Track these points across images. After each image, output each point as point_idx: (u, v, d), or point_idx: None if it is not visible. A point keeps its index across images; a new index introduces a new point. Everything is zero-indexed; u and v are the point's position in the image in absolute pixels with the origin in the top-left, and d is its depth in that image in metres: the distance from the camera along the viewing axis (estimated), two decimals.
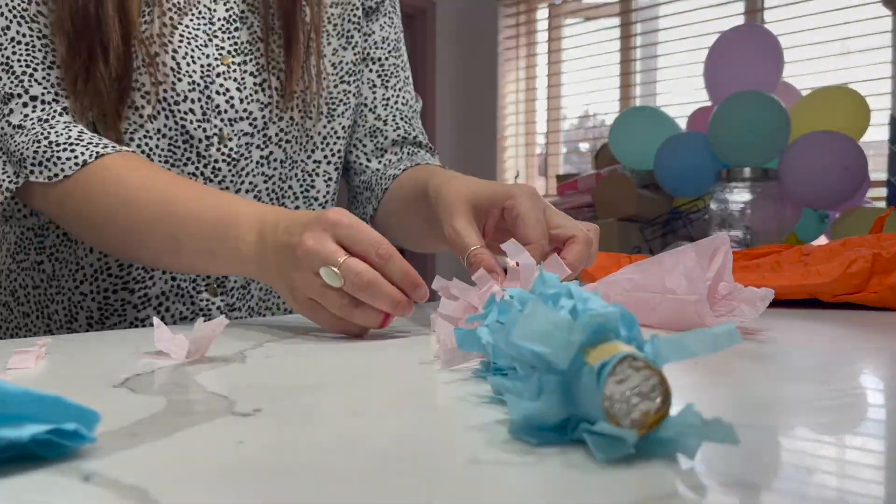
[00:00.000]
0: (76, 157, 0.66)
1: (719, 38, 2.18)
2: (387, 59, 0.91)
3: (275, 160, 0.81)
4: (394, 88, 0.91)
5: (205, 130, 0.76)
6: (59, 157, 0.66)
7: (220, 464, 0.26)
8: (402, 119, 0.91)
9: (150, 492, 0.23)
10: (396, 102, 0.91)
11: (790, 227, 2.16)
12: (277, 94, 0.80)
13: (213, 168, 0.77)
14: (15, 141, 0.67)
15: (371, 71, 0.90)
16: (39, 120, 0.68)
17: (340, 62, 0.87)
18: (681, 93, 2.74)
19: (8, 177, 0.68)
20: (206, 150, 0.76)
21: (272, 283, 0.60)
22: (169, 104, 0.74)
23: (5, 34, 0.69)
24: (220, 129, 0.77)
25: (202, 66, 0.76)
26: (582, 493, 0.23)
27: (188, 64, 0.75)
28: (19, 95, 0.68)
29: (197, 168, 0.76)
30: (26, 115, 0.68)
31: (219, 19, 0.78)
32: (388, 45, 0.91)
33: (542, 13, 4.07)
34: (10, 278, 0.82)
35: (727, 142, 2.08)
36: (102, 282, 0.77)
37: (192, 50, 0.76)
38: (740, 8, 2.69)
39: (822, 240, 2.21)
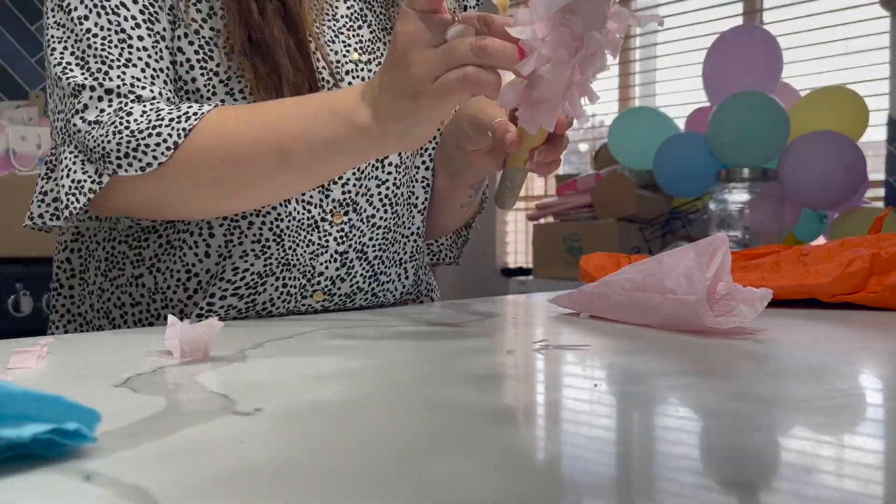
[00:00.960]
0: (166, 141, 0.61)
1: (718, 39, 2.19)
2: None
3: (390, 164, 0.78)
4: None
5: None
6: (147, 145, 0.60)
7: (220, 464, 0.26)
8: None
9: (150, 491, 0.23)
10: None
11: (789, 227, 2.16)
12: None
13: None
14: (93, 136, 0.62)
15: None
16: (115, 111, 0.63)
17: None
18: (680, 93, 2.74)
19: (89, 176, 0.62)
20: None
21: (391, 111, 0.57)
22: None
23: (81, 24, 0.65)
24: None
25: (331, 62, 0.74)
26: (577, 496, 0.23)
27: (317, 60, 0.73)
28: (92, 88, 0.63)
29: None
30: (102, 110, 0.63)
31: (342, 16, 0.77)
32: None
33: None
34: (101, 298, 0.74)
35: (726, 142, 2.08)
36: (218, 289, 0.71)
37: (321, 46, 0.73)
38: (739, 8, 2.69)
39: (821, 240, 2.21)
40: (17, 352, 0.47)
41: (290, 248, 0.73)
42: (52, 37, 0.67)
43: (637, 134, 2.36)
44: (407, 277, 0.84)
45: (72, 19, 0.66)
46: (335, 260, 0.75)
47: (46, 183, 0.68)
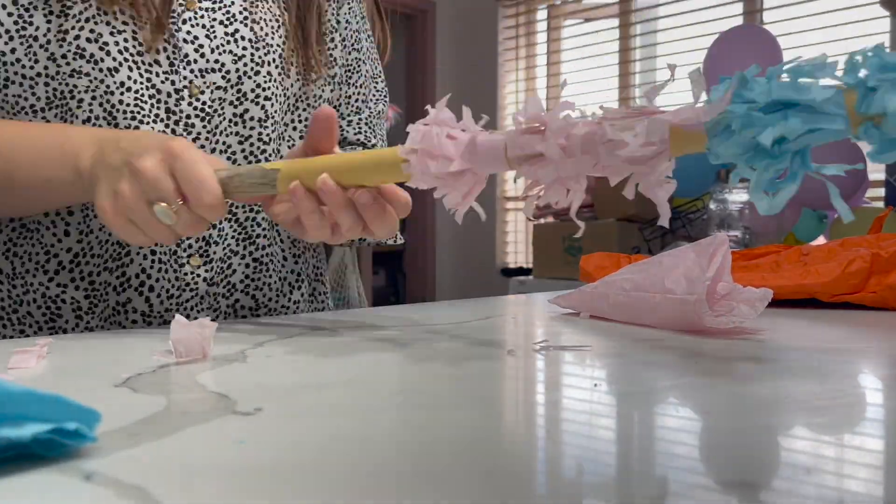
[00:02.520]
0: None
1: (718, 39, 2.19)
2: (349, 53, 0.85)
3: (251, 118, 0.74)
4: (355, 86, 0.86)
5: (173, 83, 0.70)
6: None
7: (220, 464, 0.26)
8: (365, 123, 0.86)
9: (150, 491, 0.23)
10: (357, 101, 0.86)
11: (789, 227, 2.16)
12: (252, 47, 0.73)
13: (186, 125, 0.70)
14: None
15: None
16: None
17: (357, 31, 0.84)
18: (680, 93, 2.75)
19: None
20: (175, 105, 0.70)
21: (94, 188, 0.58)
22: (132, 55, 0.68)
23: None
24: (191, 82, 0.71)
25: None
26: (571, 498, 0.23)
27: (149, 11, 0.68)
28: None
29: (167, 126, 0.69)
30: None
31: None
32: (351, 35, 0.85)
33: (542, 14, 4.07)
34: None
35: None
36: (86, 265, 0.70)
37: None
38: (739, 8, 2.69)
39: (821, 240, 2.21)
40: (17, 352, 0.47)
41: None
42: None
43: None
44: (285, 243, 0.80)
45: None
46: None
47: None
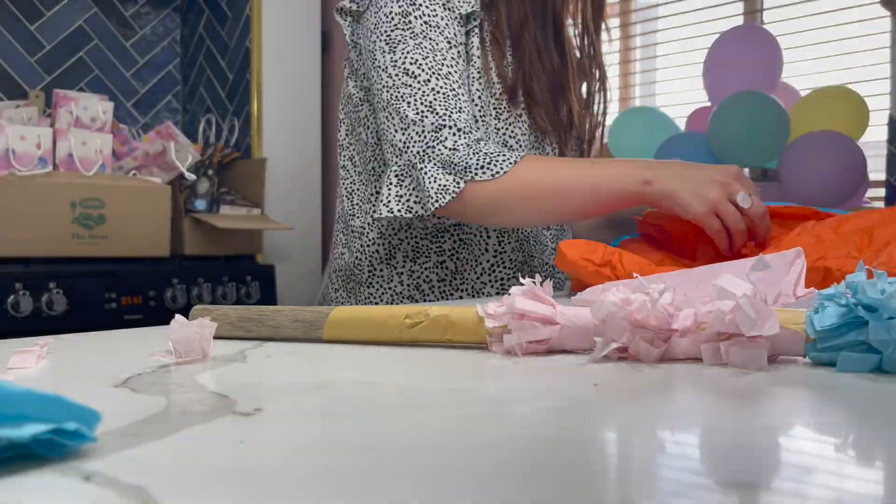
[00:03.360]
0: (508, 160, 0.88)
1: (718, 39, 2.18)
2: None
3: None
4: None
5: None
6: (497, 161, 0.88)
7: (220, 464, 0.26)
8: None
9: (150, 492, 0.23)
10: None
11: None
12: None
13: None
14: (457, 155, 0.88)
15: None
16: (467, 145, 0.90)
17: None
18: (680, 93, 2.74)
19: (452, 182, 0.88)
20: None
21: (675, 190, 0.84)
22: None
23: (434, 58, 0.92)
24: None
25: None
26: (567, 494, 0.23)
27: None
28: (449, 127, 0.90)
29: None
30: (457, 141, 0.89)
31: None
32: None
33: None
34: (412, 276, 1.01)
35: (727, 142, 2.08)
36: (499, 273, 1.01)
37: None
38: (739, 8, 2.68)
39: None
40: (17, 352, 0.47)
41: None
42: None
43: (637, 134, 2.36)
44: None
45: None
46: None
47: (399, 188, 0.92)
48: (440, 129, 0.89)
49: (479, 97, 0.96)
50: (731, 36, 2.17)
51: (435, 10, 0.92)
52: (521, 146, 1.00)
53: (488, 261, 1.01)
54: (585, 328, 0.47)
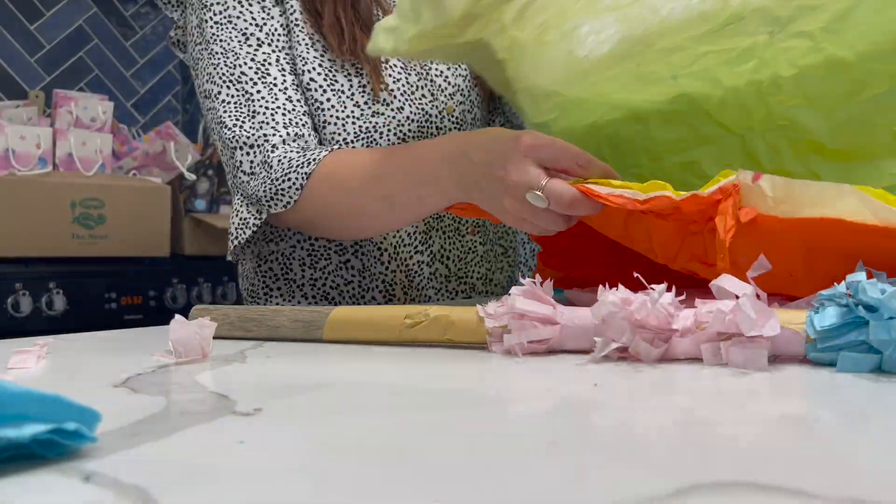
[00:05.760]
0: (296, 184, 0.76)
1: None
2: None
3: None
4: None
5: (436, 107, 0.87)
6: (284, 188, 0.76)
7: (220, 464, 0.26)
8: None
9: (150, 491, 0.23)
10: None
11: None
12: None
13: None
14: (251, 186, 0.79)
15: None
16: (261, 164, 0.79)
17: None
18: None
19: (252, 215, 0.79)
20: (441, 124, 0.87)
21: (479, 204, 0.67)
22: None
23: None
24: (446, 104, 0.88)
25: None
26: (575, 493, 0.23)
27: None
28: (240, 148, 0.80)
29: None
30: (251, 162, 0.79)
31: None
32: None
33: None
34: (315, 287, 0.88)
35: None
36: (402, 252, 0.86)
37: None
38: None
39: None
40: (17, 352, 0.47)
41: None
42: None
43: None
44: None
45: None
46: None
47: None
48: (234, 152, 0.80)
49: (320, 64, 0.83)
50: None
51: (226, 2, 0.82)
52: (373, 97, 0.83)
53: (392, 244, 0.86)
54: (585, 328, 0.47)
